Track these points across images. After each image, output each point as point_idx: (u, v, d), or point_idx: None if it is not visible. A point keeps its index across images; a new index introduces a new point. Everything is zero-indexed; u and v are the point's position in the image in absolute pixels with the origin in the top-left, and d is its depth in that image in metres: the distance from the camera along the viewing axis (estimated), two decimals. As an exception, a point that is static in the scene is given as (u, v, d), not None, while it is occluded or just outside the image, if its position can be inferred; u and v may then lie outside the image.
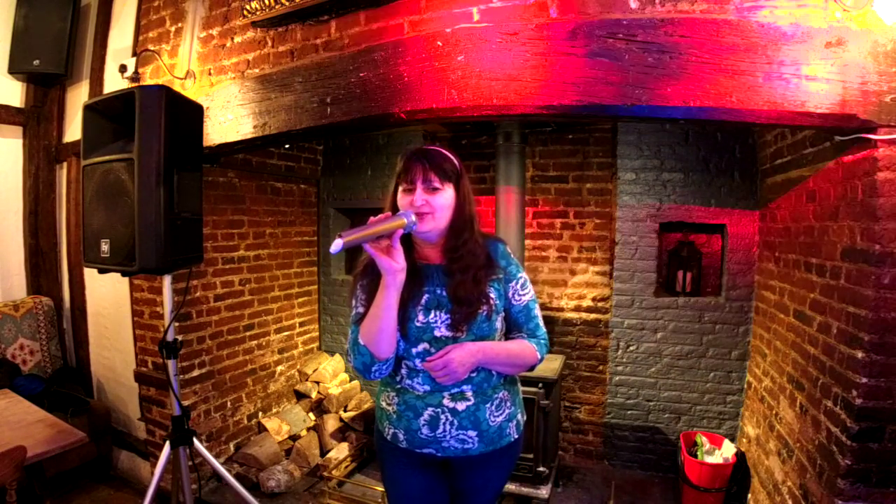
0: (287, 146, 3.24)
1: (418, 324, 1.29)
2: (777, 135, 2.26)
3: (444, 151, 1.31)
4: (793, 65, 1.45)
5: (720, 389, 2.69)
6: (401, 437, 1.34)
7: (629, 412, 2.84)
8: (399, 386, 1.35)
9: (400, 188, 1.29)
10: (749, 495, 2.40)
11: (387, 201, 1.34)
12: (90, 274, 3.15)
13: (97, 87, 3.02)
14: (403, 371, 1.33)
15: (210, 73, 2.39)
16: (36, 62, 3.00)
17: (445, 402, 1.30)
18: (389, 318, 1.21)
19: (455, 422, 1.30)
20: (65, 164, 3.29)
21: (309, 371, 3.48)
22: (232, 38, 2.31)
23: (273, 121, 2.12)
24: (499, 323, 1.35)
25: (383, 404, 1.39)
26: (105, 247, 1.83)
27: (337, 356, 3.64)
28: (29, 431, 1.99)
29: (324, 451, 3.06)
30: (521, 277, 1.38)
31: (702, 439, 2.56)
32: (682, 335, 2.72)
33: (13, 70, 3.06)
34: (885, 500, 1.53)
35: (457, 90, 1.70)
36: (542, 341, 1.39)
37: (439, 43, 1.73)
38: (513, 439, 1.39)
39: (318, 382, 3.43)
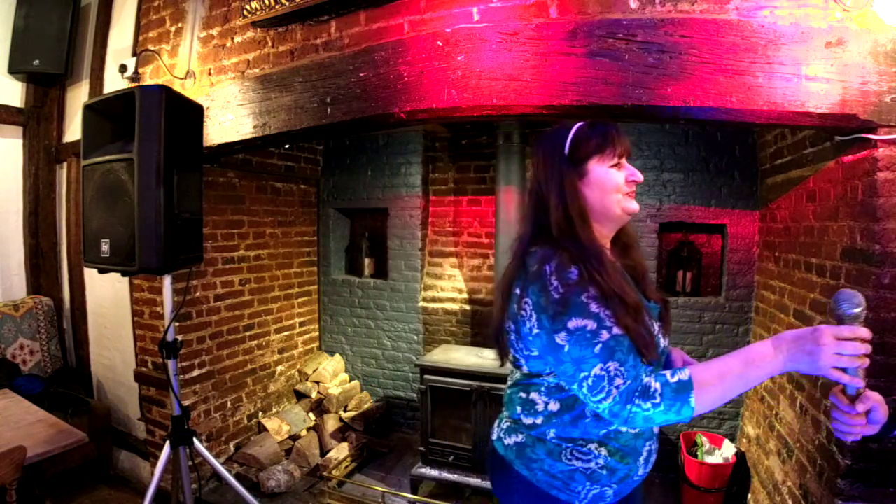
0: (287, 146, 3.24)
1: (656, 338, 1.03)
2: (777, 135, 2.26)
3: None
4: (793, 65, 1.45)
5: (720, 389, 2.69)
6: (609, 493, 1.05)
7: (629, 412, 2.84)
8: (611, 431, 1.02)
9: (606, 164, 1.05)
10: (749, 495, 2.40)
11: (544, 194, 1.07)
12: (90, 274, 3.15)
13: (97, 87, 3.02)
14: None
15: (210, 73, 2.39)
16: (36, 62, 3.00)
17: (654, 429, 1.09)
18: None
19: (657, 447, 1.13)
20: (65, 164, 3.29)
21: (309, 371, 3.48)
22: (232, 38, 2.31)
23: (273, 121, 2.12)
24: None
25: (575, 465, 1.03)
26: (105, 247, 1.83)
27: (337, 356, 3.64)
28: (29, 431, 1.99)
29: (324, 451, 3.06)
30: None
31: (702, 439, 2.56)
32: (682, 335, 2.72)
33: (13, 70, 3.06)
34: (885, 500, 1.53)
35: (457, 90, 1.70)
36: None
37: (439, 43, 1.73)
38: None
39: (318, 382, 3.43)
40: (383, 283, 3.44)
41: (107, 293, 3.10)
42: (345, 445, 3.03)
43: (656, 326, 1.05)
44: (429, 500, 2.55)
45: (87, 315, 3.27)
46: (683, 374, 0.89)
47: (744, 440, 2.58)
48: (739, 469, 2.45)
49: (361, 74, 1.88)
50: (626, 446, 1.03)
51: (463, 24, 1.72)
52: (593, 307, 0.93)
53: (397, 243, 3.34)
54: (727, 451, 2.49)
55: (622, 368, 0.91)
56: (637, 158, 2.73)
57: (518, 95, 1.63)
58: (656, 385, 0.89)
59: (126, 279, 2.80)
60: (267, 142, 2.25)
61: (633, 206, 1.08)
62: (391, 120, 1.87)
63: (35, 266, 3.38)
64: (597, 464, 1.02)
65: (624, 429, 1.01)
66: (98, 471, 2.95)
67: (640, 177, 1.08)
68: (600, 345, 0.92)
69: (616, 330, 0.93)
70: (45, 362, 3.15)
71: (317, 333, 3.73)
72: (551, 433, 1.04)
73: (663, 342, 1.08)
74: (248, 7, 2.17)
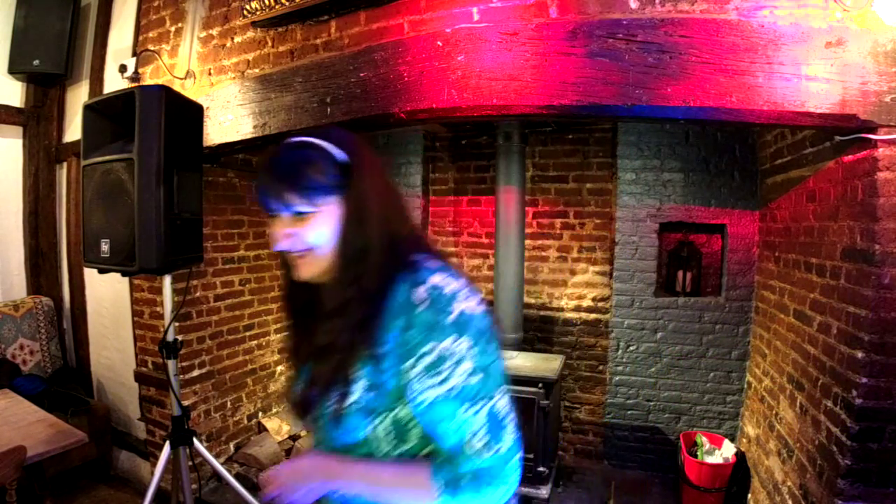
0: (287, 146, 3.24)
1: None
2: (777, 135, 2.26)
3: (310, 150, 0.80)
4: (793, 65, 1.45)
5: (720, 389, 2.69)
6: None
7: (629, 412, 2.84)
8: None
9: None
10: (749, 495, 2.40)
11: None
12: (90, 274, 3.15)
13: (97, 87, 3.02)
14: None
15: (210, 73, 2.39)
16: (36, 62, 3.00)
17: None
18: None
19: None
20: (65, 164, 3.29)
21: (309, 371, 3.48)
22: (232, 38, 2.31)
23: (273, 121, 2.12)
24: (374, 428, 0.79)
25: None
26: (105, 247, 1.83)
27: (337, 356, 3.64)
28: (29, 431, 1.99)
29: (324, 451, 3.06)
30: (429, 352, 0.73)
31: (702, 439, 2.56)
32: (682, 335, 2.72)
33: (13, 70, 3.06)
34: (885, 500, 1.53)
35: (457, 90, 1.70)
36: (462, 481, 0.74)
37: (439, 43, 1.73)
38: None
39: (318, 382, 3.43)
40: (383, 283, 3.43)
41: (107, 293, 3.10)
42: (345, 445, 3.02)
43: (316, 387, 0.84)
44: (429, 500, 2.54)
45: (87, 315, 3.27)
46: None
47: (744, 440, 2.58)
48: (739, 469, 2.45)
49: (361, 74, 1.88)
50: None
51: (463, 24, 1.72)
52: None
53: (397, 243, 3.34)
54: (727, 451, 2.49)
55: None
56: (637, 158, 2.73)
57: (518, 95, 1.63)
58: None
59: (126, 279, 2.79)
60: (267, 142, 2.25)
61: (298, 274, 0.84)
62: (391, 120, 1.87)
63: (35, 266, 3.37)
64: None
65: None
66: (98, 471, 2.95)
67: (280, 246, 0.82)
68: None
69: None
70: (45, 362, 3.15)
71: (317, 333, 3.73)
72: None
73: (325, 410, 0.82)
74: (248, 7, 2.17)
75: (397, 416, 0.79)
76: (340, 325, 0.78)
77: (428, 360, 0.73)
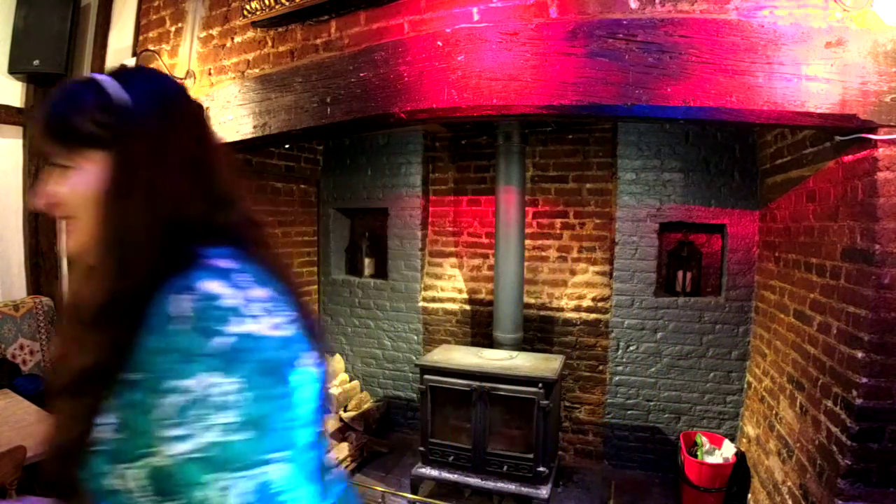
0: (287, 146, 3.25)
1: None
2: (777, 135, 2.26)
3: (81, 86, 0.62)
4: (793, 65, 1.45)
5: (720, 389, 2.69)
6: None
7: (629, 412, 2.84)
8: None
9: None
10: (749, 495, 2.40)
11: None
12: (90, 274, 3.15)
13: (97, 87, 3.02)
14: None
15: (210, 73, 2.39)
16: (36, 62, 3.00)
17: None
18: None
19: None
20: (65, 164, 3.29)
21: (309, 371, 3.47)
22: (232, 39, 2.31)
23: (273, 121, 2.12)
24: (123, 479, 0.54)
25: None
26: (105, 247, 1.84)
27: (337, 356, 3.64)
28: (29, 431, 1.99)
29: (324, 451, 3.06)
30: (179, 391, 0.50)
31: (702, 439, 2.56)
32: (682, 335, 2.72)
33: (13, 70, 3.06)
34: (885, 500, 1.53)
35: (457, 90, 1.70)
36: None
37: (439, 43, 1.74)
38: None
39: (318, 382, 3.43)
40: (383, 283, 3.44)
41: (107, 293, 3.10)
42: (345, 445, 3.02)
43: None
44: (429, 500, 2.55)
45: (87, 315, 3.27)
46: None
47: (744, 440, 2.58)
48: (739, 469, 2.45)
49: (361, 74, 1.89)
50: None
51: (463, 24, 1.73)
52: None
53: (397, 243, 3.34)
54: (727, 451, 2.49)
55: None
56: (637, 158, 2.73)
57: (518, 95, 1.63)
58: None
59: (126, 279, 2.79)
60: (267, 142, 2.26)
61: (66, 246, 0.67)
62: (391, 120, 1.87)
63: (35, 266, 3.37)
64: None
65: None
66: (98, 471, 2.95)
67: (37, 203, 0.64)
68: None
69: None
70: (45, 362, 3.15)
71: (317, 333, 3.73)
72: None
73: None
74: (248, 7, 2.17)
75: (154, 465, 0.53)
76: (97, 337, 0.56)
77: (176, 401, 0.50)
